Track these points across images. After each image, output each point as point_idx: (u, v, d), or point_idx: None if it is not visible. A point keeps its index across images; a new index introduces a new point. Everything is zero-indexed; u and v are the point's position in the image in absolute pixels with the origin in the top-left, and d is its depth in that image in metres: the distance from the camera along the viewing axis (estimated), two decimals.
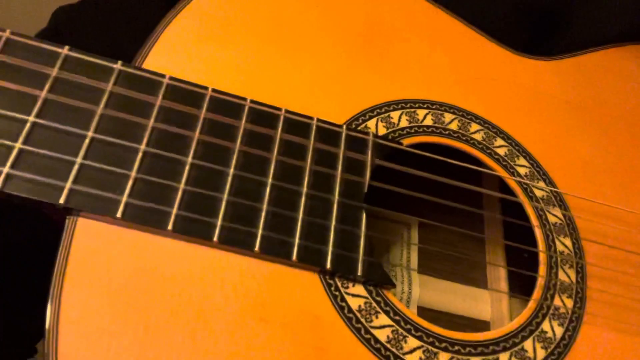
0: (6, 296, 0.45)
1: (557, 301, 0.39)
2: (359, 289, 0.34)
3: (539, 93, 0.48)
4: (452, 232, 0.45)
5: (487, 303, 0.46)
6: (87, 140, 0.31)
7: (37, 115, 0.31)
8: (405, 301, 0.44)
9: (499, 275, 0.46)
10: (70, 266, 0.29)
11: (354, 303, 0.34)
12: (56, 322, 0.28)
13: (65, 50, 0.33)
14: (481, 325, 0.45)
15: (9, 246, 0.45)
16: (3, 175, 0.29)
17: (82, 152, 0.31)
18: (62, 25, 0.49)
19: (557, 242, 0.41)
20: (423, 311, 0.44)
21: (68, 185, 0.30)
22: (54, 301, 0.28)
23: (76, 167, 0.30)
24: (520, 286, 0.43)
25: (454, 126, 0.43)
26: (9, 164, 0.29)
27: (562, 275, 0.40)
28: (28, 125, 0.30)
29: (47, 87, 0.32)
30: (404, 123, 0.41)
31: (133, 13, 0.51)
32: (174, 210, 0.31)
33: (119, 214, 0.30)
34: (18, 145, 0.30)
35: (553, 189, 0.43)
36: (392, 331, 0.34)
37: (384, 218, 0.45)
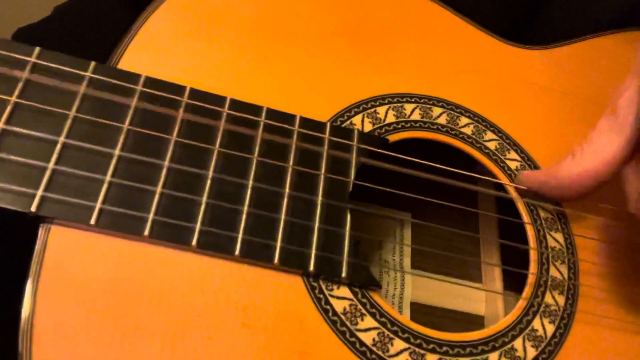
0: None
1: (548, 298, 0.38)
2: (344, 291, 0.34)
3: (531, 84, 0.47)
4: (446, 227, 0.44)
5: (482, 300, 0.45)
6: (59, 146, 0.30)
7: (7, 121, 0.30)
8: (397, 298, 0.43)
9: (493, 272, 0.45)
10: (44, 275, 0.28)
11: (339, 306, 0.33)
12: (30, 333, 0.27)
13: (36, 52, 0.32)
14: (475, 319, 0.44)
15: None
16: None
17: (54, 158, 0.30)
18: None
19: (549, 238, 0.40)
20: (416, 307, 0.44)
21: (39, 192, 0.29)
22: (28, 312, 0.28)
23: (48, 173, 0.29)
24: (515, 281, 0.42)
25: (442, 120, 0.42)
26: None
27: (553, 272, 0.39)
28: None
29: (17, 91, 0.31)
30: (390, 118, 0.40)
31: (98, 25, 0.49)
32: (151, 216, 0.30)
33: (92, 221, 0.29)
34: None
35: None
36: (378, 333, 0.33)
37: (376, 214, 0.44)
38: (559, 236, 0.41)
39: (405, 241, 0.46)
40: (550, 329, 0.37)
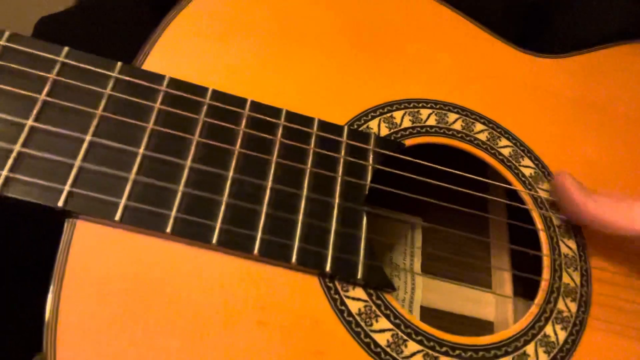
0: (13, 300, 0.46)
1: (560, 305, 0.38)
2: (359, 292, 0.34)
3: (546, 92, 0.47)
4: (456, 235, 0.44)
5: (492, 305, 0.45)
6: (85, 144, 0.31)
7: (36, 119, 0.31)
8: (408, 301, 0.44)
9: (503, 277, 0.45)
10: (69, 269, 0.29)
11: (354, 306, 0.34)
12: (54, 325, 0.28)
13: (64, 52, 0.33)
14: (485, 325, 0.44)
15: (17, 244, 0.45)
16: (2, 179, 0.29)
17: (80, 155, 0.31)
18: (46, 36, 0.48)
19: (562, 245, 0.41)
20: (426, 311, 0.44)
21: (67, 188, 0.30)
22: (52, 304, 0.28)
23: (75, 170, 0.30)
24: (526, 288, 0.43)
25: (457, 126, 0.43)
26: (7, 167, 0.29)
27: (566, 279, 0.39)
28: (27, 128, 0.30)
29: (46, 90, 0.32)
30: (406, 123, 0.41)
31: (118, 20, 0.50)
32: (173, 213, 0.31)
33: (117, 217, 0.30)
34: (17, 148, 0.30)
35: None
36: (392, 335, 0.34)
37: (388, 218, 0.45)
38: (572, 243, 0.41)
39: (416, 245, 0.47)
40: (562, 335, 0.37)
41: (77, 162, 0.30)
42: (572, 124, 0.47)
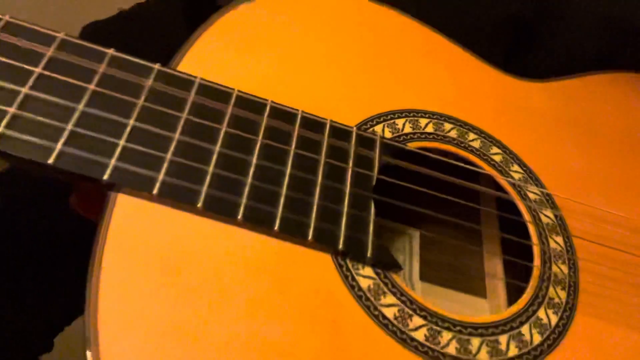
0: (25, 291, 0.47)
1: (551, 292, 0.41)
2: (368, 271, 0.37)
3: (530, 109, 0.53)
4: (453, 246, 0.48)
5: (486, 311, 0.48)
6: (129, 127, 0.35)
7: (87, 104, 0.35)
8: None
9: (497, 288, 0.48)
10: (110, 236, 0.32)
11: (364, 283, 0.37)
12: (97, 286, 0.31)
13: (111, 51, 0.38)
14: None
15: (33, 238, 0.48)
16: (56, 152, 0.32)
17: (124, 136, 0.35)
18: (90, 40, 0.54)
19: (550, 240, 0.44)
20: None
21: (112, 163, 0.33)
22: (95, 267, 0.31)
23: (119, 148, 0.34)
24: (520, 293, 0.46)
25: (453, 134, 0.47)
26: (61, 142, 0.33)
27: (555, 269, 0.43)
28: (78, 112, 0.34)
29: (95, 81, 0.36)
30: (407, 129, 0.46)
31: (157, 30, 0.56)
32: (204, 190, 0.35)
33: (155, 191, 0.34)
34: (70, 127, 0.34)
35: (544, 190, 0.47)
36: (399, 310, 0.36)
37: (386, 230, 0.49)
38: (560, 239, 0.45)
39: (414, 255, 0.50)
40: (554, 318, 0.40)
41: (122, 142, 0.34)
42: (557, 138, 0.52)
